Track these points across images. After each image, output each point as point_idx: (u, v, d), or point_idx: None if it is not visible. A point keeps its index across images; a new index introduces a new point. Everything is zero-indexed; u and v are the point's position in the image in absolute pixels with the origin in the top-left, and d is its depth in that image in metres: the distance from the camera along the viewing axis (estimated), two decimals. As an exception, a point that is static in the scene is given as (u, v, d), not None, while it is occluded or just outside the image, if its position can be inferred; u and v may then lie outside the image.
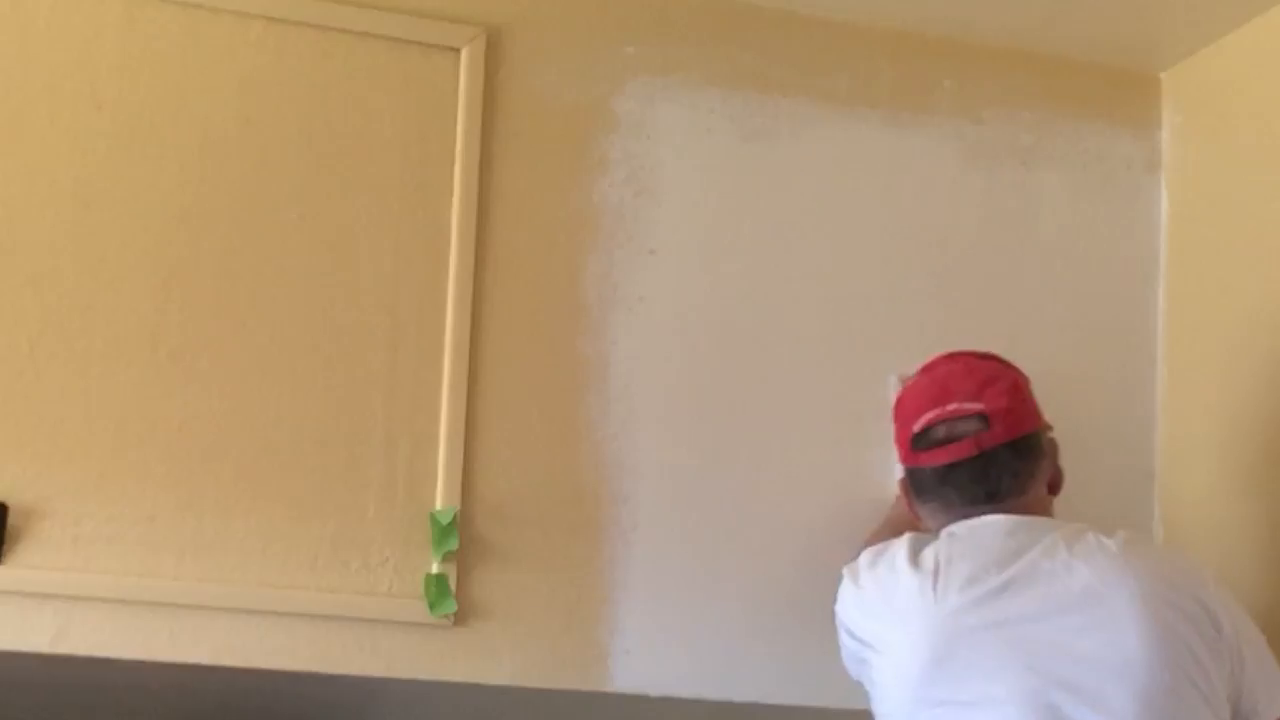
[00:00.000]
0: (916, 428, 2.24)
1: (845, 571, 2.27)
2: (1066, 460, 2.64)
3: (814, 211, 2.67)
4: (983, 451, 2.18)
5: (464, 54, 2.54)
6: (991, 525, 2.15)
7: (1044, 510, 2.23)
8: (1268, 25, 2.62)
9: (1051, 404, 2.69)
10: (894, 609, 2.14)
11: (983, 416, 2.20)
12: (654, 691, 2.48)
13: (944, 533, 2.18)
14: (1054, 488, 2.27)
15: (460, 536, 2.42)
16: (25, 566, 2.28)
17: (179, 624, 2.32)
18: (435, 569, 2.40)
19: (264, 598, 2.35)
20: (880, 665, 2.15)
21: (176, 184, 2.41)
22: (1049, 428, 2.31)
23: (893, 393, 2.48)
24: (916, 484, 2.27)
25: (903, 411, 2.29)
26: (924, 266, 2.70)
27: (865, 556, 2.24)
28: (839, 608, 2.26)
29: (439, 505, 2.42)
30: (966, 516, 2.18)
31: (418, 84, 2.52)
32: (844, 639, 2.26)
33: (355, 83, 2.50)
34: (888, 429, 2.54)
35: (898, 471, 2.36)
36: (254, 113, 2.45)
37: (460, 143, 2.51)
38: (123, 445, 2.34)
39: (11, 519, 2.28)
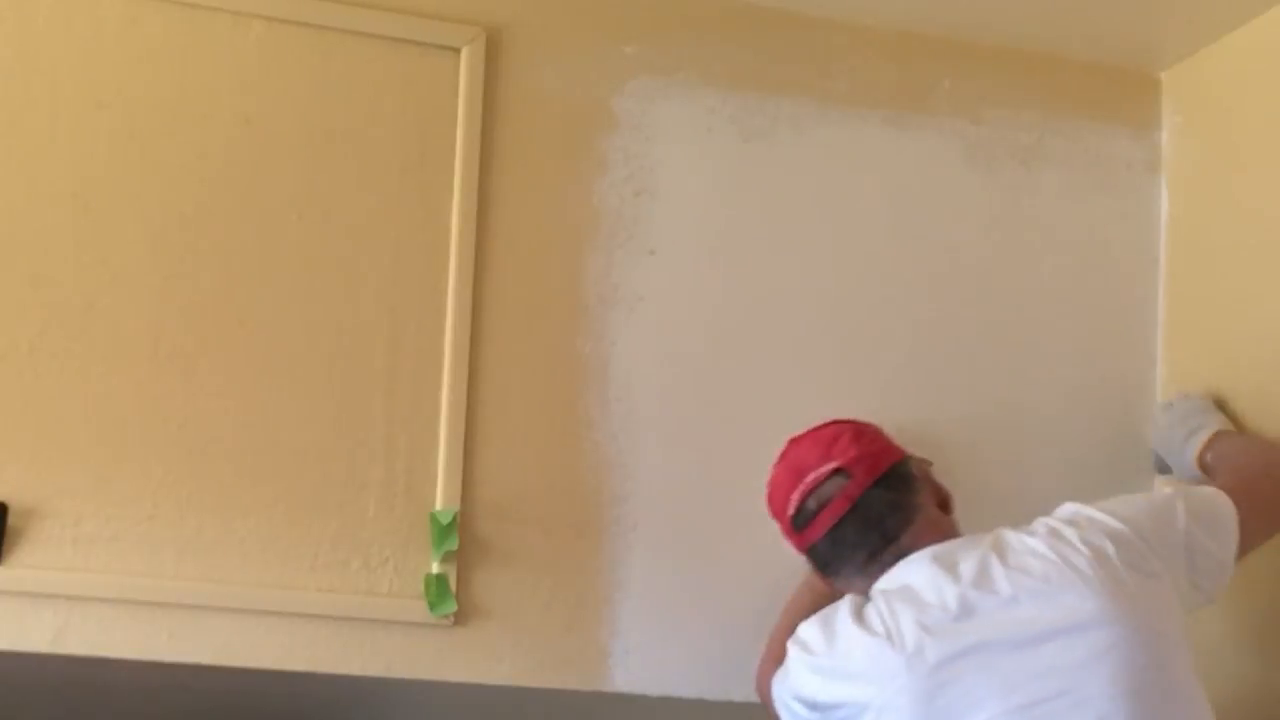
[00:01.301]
0: (790, 511, 2.27)
1: (791, 645, 2.21)
2: (1068, 460, 2.66)
3: (814, 212, 2.67)
4: (855, 502, 2.21)
5: (464, 54, 2.54)
6: (913, 566, 2.15)
7: (947, 530, 2.23)
8: (1268, 25, 2.61)
9: (1051, 404, 2.71)
10: (857, 671, 2.10)
11: (840, 471, 2.23)
12: (654, 691, 2.48)
13: (874, 591, 2.16)
14: (945, 506, 2.29)
15: (460, 536, 2.42)
16: (25, 566, 2.28)
17: (179, 624, 2.32)
18: (435, 569, 2.40)
19: (264, 598, 2.35)
20: None
21: (176, 184, 2.41)
22: (921, 461, 2.33)
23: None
24: (820, 562, 2.27)
25: (774, 506, 2.31)
26: (923, 266, 2.70)
27: (809, 627, 2.19)
28: (791, 682, 2.20)
29: (439, 505, 2.42)
30: (881, 570, 2.18)
31: (418, 84, 2.52)
32: (795, 709, 2.20)
33: (355, 83, 2.50)
34: (888, 428, 2.55)
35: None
36: (254, 113, 2.45)
37: (460, 143, 2.51)
38: (123, 445, 2.34)
39: (11, 519, 2.28)
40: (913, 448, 2.41)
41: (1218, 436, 2.51)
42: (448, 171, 2.51)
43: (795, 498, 2.26)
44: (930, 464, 2.36)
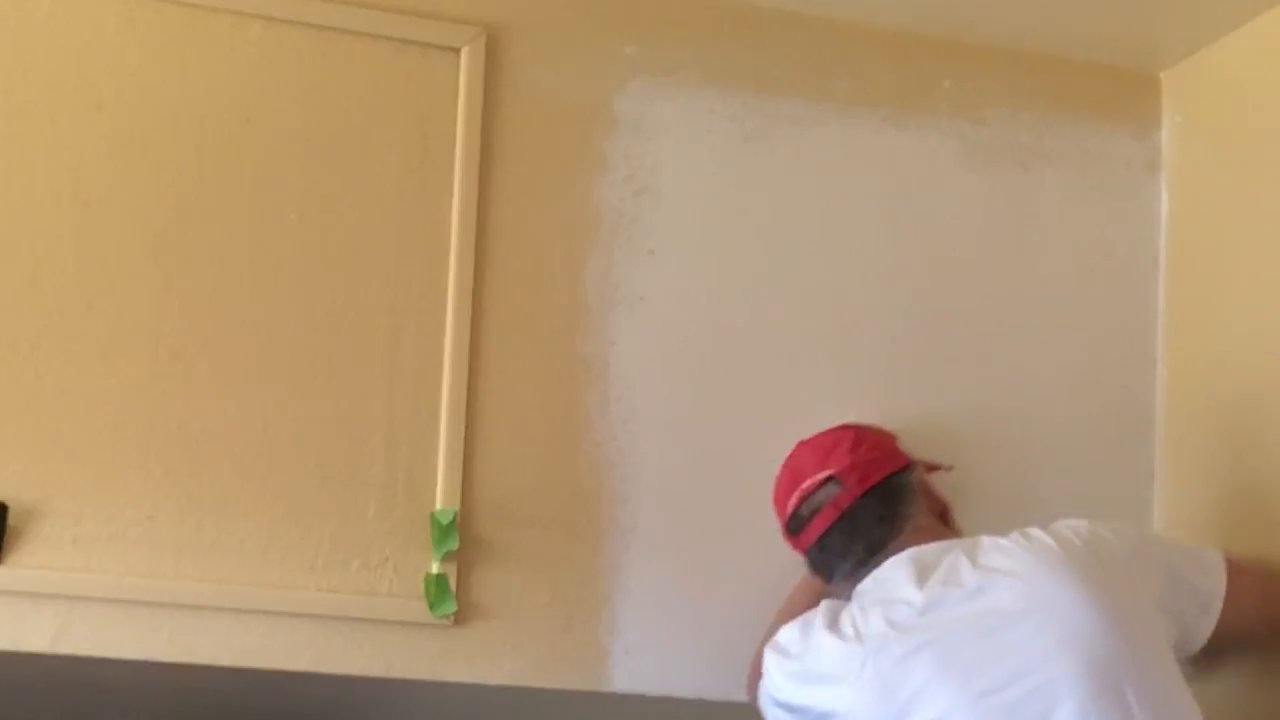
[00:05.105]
0: (786, 517, 2.32)
1: (767, 650, 2.28)
2: (1068, 459, 2.65)
3: (814, 211, 2.67)
4: (843, 510, 2.26)
5: (464, 54, 2.54)
6: (891, 564, 2.20)
7: (938, 538, 2.26)
8: (1268, 25, 2.61)
9: (1051, 404, 2.71)
10: (828, 674, 2.17)
11: (832, 479, 2.28)
12: (654, 691, 2.48)
13: (854, 593, 2.23)
14: (944, 516, 2.34)
15: (460, 536, 2.42)
16: (25, 566, 2.28)
17: (179, 624, 2.32)
18: (435, 569, 2.40)
19: (264, 598, 2.35)
20: None
21: (176, 184, 2.41)
22: (923, 467, 2.36)
23: None
24: (813, 566, 2.33)
25: (775, 508, 2.36)
26: (923, 267, 2.70)
27: (787, 631, 2.26)
28: (766, 683, 2.28)
29: (439, 505, 2.42)
30: (866, 574, 2.23)
31: (418, 84, 2.52)
32: (776, 714, 2.27)
33: (355, 83, 2.50)
34: (887, 428, 2.55)
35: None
36: (254, 113, 2.45)
37: (460, 143, 2.51)
38: (123, 445, 2.34)
39: (11, 519, 2.28)
40: (912, 449, 2.41)
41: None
42: (448, 171, 2.51)
43: (791, 505, 2.31)
44: (948, 468, 2.41)
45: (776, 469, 2.54)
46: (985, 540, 2.17)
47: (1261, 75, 2.62)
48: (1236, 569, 2.28)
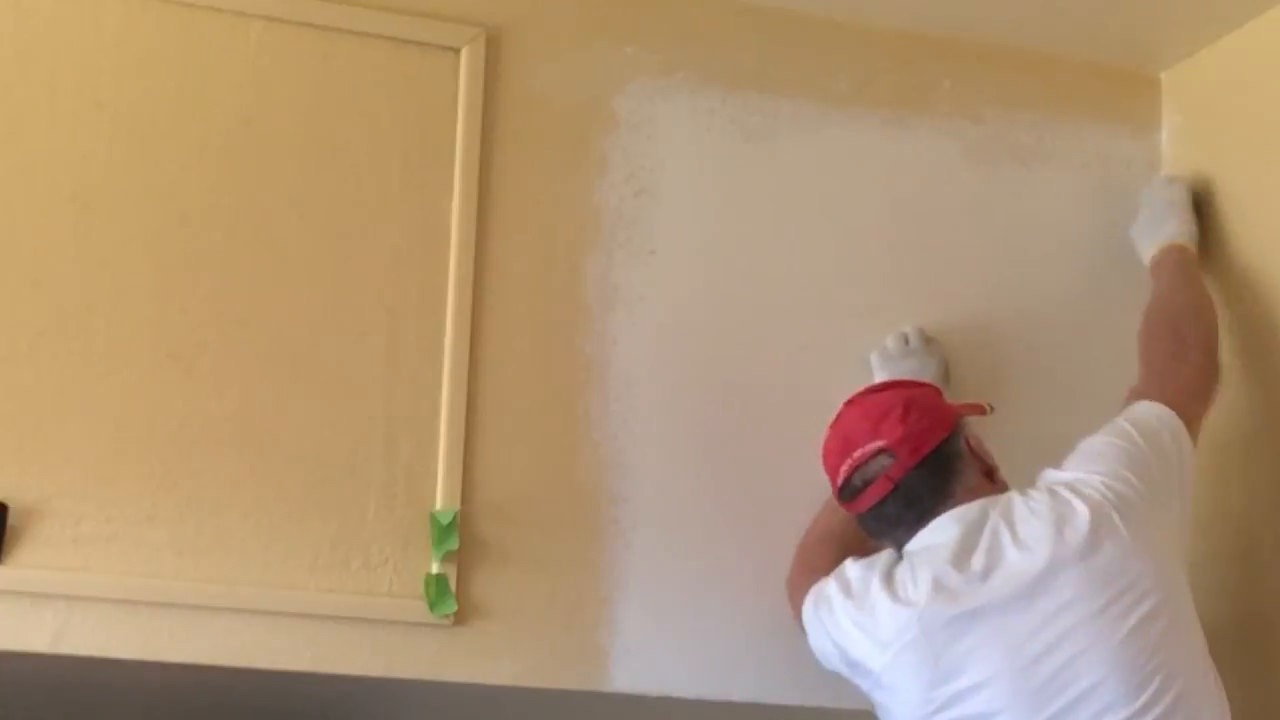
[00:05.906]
0: (839, 482, 2.34)
1: (834, 581, 2.32)
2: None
3: (814, 212, 2.67)
4: (897, 483, 2.28)
5: (464, 54, 2.54)
6: (938, 529, 2.25)
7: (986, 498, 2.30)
8: (1268, 25, 2.62)
9: (1052, 403, 2.71)
10: (876, 632, 2.23)
11: (885, 451, 2.29)
12: (654, 691, 2.48)
13: (905, 552, 2.28)
14: (991, 475, 2.34)
15: (460, 536, 2.42)
16: (25, 566, 2.28)
17: (179, 624, 2.32)
18: (435, 569, 2.40)
19: (264, 598, 2.35)
20: (878, 684, 2.25)
21: (177, 184, 2.41)
22: (969, 411, 2.38)
23: (878, 375, 2.57)
24: (863, 528, 2.36)
25: (827, 469, 2.37)
26: (923, 267, 2.70)
27: (854, 569, 2.31)
28: (829, 624, 2.32)
29: (439, 505, 2.42)
30: (914, 535, 2.28)
31: (418, 84, 2.52)
32: (824, 644, 2.33)
33: (355, 83, 2.50)
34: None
35: None
36: (254, 113, 2.46)
37: (460, 143, 2.51)
38: (123, 445, 2.34)
39: (11, 519, 2.27)
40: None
41: (1169, 249, 2.61)
42: (448, 172, 2.51)
43: (843, 471, 2.32)
44: (990, 410, 2.42)
45: (776, 469, 2.55)
46: (1018, 503, 2.22)
47: (1261, 75, 2.63)
48: (1183, 411, 2.36)
